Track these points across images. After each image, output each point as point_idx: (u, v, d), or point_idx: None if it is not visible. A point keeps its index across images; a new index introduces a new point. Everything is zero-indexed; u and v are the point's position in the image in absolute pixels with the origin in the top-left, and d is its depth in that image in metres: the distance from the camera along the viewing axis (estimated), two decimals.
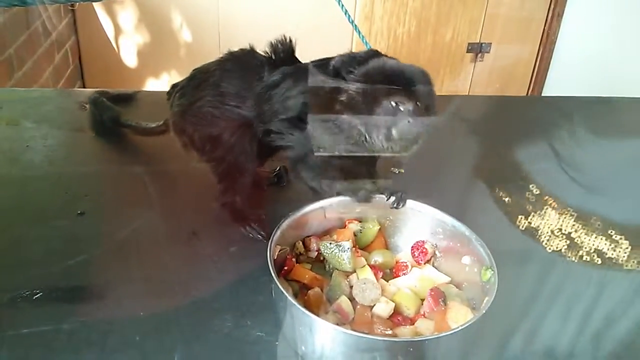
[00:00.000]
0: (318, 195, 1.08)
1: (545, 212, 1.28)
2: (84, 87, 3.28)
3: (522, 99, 2.80)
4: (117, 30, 3.23)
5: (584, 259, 1.16)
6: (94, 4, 3.02)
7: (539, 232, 1.23)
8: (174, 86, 1.22)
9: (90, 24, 3.21)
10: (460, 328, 0.82)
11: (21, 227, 1.14)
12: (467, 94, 3.63)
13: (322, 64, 1.07)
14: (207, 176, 1.18)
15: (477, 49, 3.54)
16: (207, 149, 1.15)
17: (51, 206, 1.20)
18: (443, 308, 0.92)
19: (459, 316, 0.89)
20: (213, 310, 0.96)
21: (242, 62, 1.15)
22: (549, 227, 1.24)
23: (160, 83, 3.33)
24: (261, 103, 1.09)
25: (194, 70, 1.20)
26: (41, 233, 1.12)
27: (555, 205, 1.30)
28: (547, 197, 1.33)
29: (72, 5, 2.97)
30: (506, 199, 1.31)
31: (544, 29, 3.55)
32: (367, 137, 1.00)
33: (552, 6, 3.48)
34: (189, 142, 1.18)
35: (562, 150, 1.56)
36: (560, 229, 1.23)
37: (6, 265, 1.04)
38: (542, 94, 3.67)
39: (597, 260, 1.16)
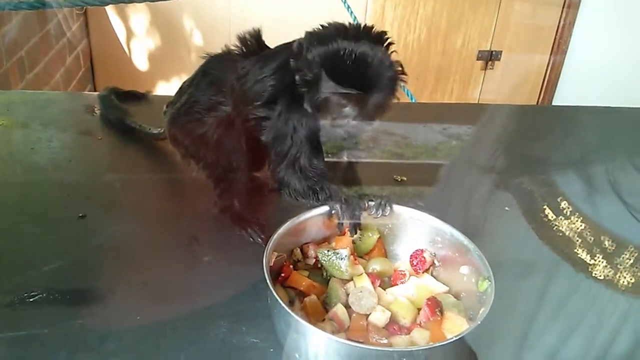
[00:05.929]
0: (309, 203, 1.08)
1: (555, 223, 1.26)
2: (95, 90, 3.31)
3: (532, 108, 2.78)
4: (129, 34, 3.26)
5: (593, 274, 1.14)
6: (106, 7, 3.05)
7: (546, 242, 1.21)
8: (167, 104, 1.25)
9: (102, 27, 3.24)
10: (455, 338, 0.81)
11: (22, 229, 1.14)
12: (476, 101, 3.61)
13: (285, 47, 1.10)
14: (207, 182, 1.18)
15: (488, 57, 3.52)
16: (200, 154, 1.16)
17: (52, 209, 1.21)
18: (439, 318, 0.91)
19: (454, 326, 0.88)
20: (210, 316, 0.96)
21: (219, 60, 1.18)
22: (560, 237, 1.22)
23: (171, 87, 3.34)
24: (234, 94, 1.11)
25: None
26: (41, 235, 1.12)
27: (567, 215, 1.29)
28: (557, 207, 1.32)
29: (80, 9, 3.00)
30: (510, 209, 1.30)
31: (555, 37, 3.53)
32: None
33: (563, 15, 3.46)
34: (184, 151, 1.20)
35: (572, 160, 1.54)
36: (578, 237, 1.21)
37: (5, 267, 1.05)
38: (553, 103, 3.65)
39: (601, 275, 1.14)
